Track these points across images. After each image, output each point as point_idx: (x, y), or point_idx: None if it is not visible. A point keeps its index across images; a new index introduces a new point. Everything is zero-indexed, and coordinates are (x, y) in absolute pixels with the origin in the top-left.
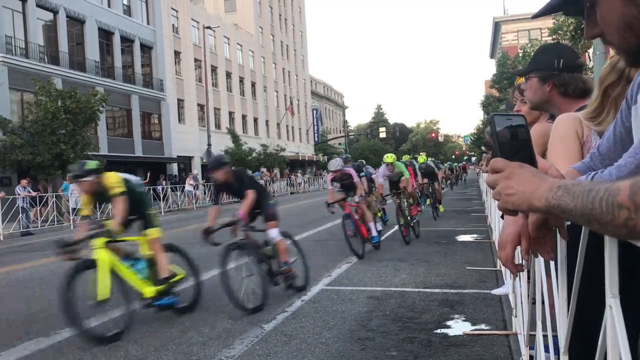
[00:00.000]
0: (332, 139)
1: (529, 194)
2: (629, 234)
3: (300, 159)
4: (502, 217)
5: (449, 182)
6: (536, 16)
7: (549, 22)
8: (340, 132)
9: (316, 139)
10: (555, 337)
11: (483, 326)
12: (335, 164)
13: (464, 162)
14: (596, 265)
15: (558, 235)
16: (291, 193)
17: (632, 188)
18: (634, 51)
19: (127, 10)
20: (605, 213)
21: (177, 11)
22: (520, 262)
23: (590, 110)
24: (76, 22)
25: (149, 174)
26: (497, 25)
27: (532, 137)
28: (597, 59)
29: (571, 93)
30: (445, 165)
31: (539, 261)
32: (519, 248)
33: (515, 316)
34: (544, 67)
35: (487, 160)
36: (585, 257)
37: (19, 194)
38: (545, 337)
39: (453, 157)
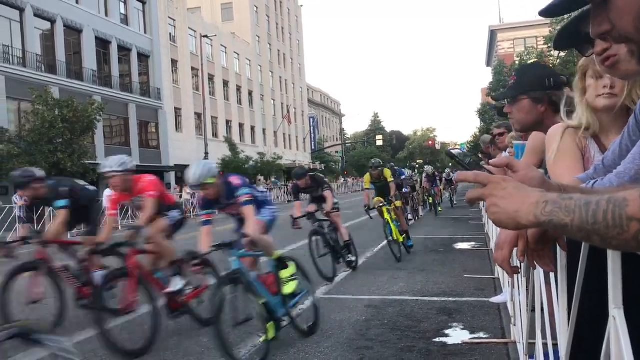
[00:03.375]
0: (329, 147)
1: (514, 210)
2: (638, 246)
3: (297, 167)
4: None
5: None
6: (542, 14)
7: (544, 30)
8: (337, 140)
9: (313, 147)
10: (555, 346)
11: (482, 335)
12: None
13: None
14: (595, 273)
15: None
16: (289, 201)
17: None
18: None
19: (125, 19)
20: (612, 227)
21: (174, 20)
22: (517, 264)
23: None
24: (73, 31)
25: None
26: (493, 34)
27: (530, 145)
28: None
29: (556, 111)
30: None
31: (539, 269)
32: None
33: (514, 325)
34: (536, 87)
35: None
36: (586, 266)
37: (16, 203)
38: (545, 345)
39: (450, 165)
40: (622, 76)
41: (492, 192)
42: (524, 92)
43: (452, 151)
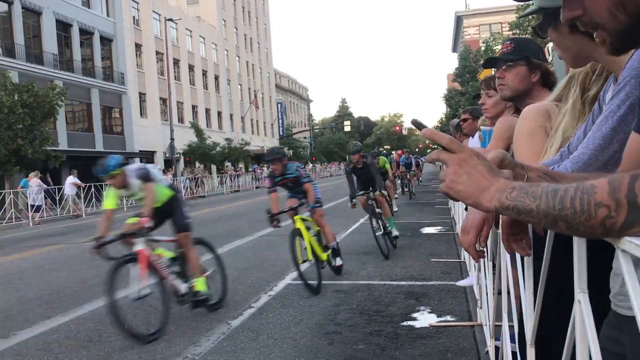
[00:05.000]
0: (297, 132)
1: (478, 190)
2: (604, 232)
3: (265, 152)
4: (466, 209)
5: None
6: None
7: (511, 16)
8: (305, 126)
9: (281, 133)
10: (521, 328)
11: (448, 318)
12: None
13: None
14: (561, 257)
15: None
16: (256, 187)
17: (612, 185)
18: (621, 32)
19: (86, 2)
20: (579, 213)
21: (137, 3)
22: (482, 248)
23: (556, 95)
24: (32, 13)
25: None
26: (459, 19)
27: (496, 131)
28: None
29: (545, 84)
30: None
31: (504, 253)
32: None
33: (480, 307)
34: (534, 56)
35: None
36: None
37: None
38: (511, 327)
39: (417, 150)
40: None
41: (462, 162)
42: (523, 58)
43: (415, 120)
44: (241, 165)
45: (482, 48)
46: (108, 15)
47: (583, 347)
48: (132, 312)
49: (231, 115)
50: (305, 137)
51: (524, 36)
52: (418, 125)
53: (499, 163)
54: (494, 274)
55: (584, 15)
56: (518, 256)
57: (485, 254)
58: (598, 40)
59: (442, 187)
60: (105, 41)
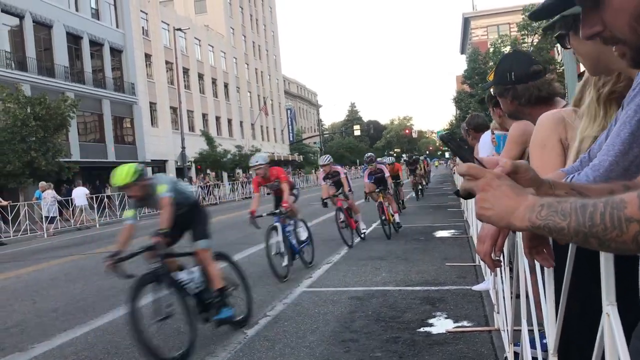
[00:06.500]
0: (307, 138)
1: (508, 212)
2: (637, 248)
3: (275, 159)
4: None
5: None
6: (532, 18)
7: (518, 17)
8: (315, 131)
9: (291, 139)
10: (541, 333)
11: (465, 323)
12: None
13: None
14: (584, 265)
15: None
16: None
17: None
18: None
19: (96, 14)
20: (610, 229)
21: (146, 13)
22: (498, 257)
23: (574, 100)
24: (43, 26)
25: None
26: (466, 21)
27: (511, 135)
28: (567, 54)
29: (525, 104)
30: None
31: (522, 256)
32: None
33: (498, 312)
34: (499, 82)
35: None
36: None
37: None
38: (530, 332)
39: (427, 152)
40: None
41: (485, 187)
42: (494, 85)
43: (445, 134)
44: (252, 172)
45: (491, 50)
46: (117, 26)
47: None
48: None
49: (241, 123)
50: (315, 142)
51: (532, 37)
52: (447, 141)
53: (513, 173)
54: (511, 277)
55: (604, 31)
56: (537, 262)
57: (502, 263)
58: (618, 54)
59: (476, 215)
60: (115, 52)
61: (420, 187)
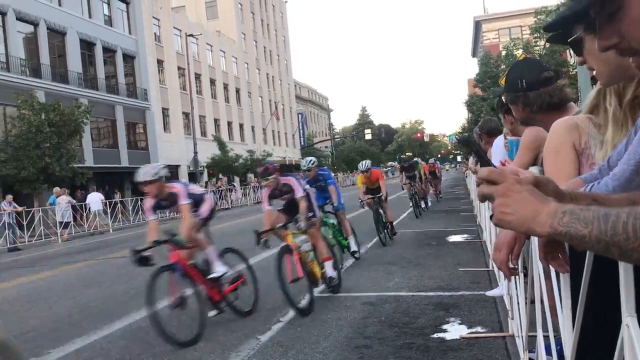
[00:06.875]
0: (318, 142)
1: (529, 218)
2: None
3: (287, 163)
4: (491, 217)
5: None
6: (547, 29)
7: (530, 20)
8: (326, 135)
9: (302, 143)
10: (556, 339)
11: (479, 329)
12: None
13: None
14: (605, 275)
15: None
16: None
17: None
18: None
19: (108, 21)
20: (632, 239)
21: (158, 20)
22: (515, 266)
23: (588, 107)
24: (57, 33)
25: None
26: (477, 24)
27: (523, 141)
28: None
29: (537, 110)
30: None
31: (537, 261)
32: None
33: (512, 318)
34: (510, 89)
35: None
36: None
37: (4, 210)
38: (546, 338)
39: (439, 156)
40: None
41: (506, 192)
42: (505, 92)
43: (464, 137)
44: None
45: (503, 53)
46: (130, 32)
47: None
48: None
49: (253, 127)
50: (326, 147)
51: (544, 39)
52: (468, 144)
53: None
54: (525, 283)
55: (620, 43)
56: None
57: (518, 271)
58: (635, 65)
59: (494, 221)
60: (128, 58)
61: (421, 201)
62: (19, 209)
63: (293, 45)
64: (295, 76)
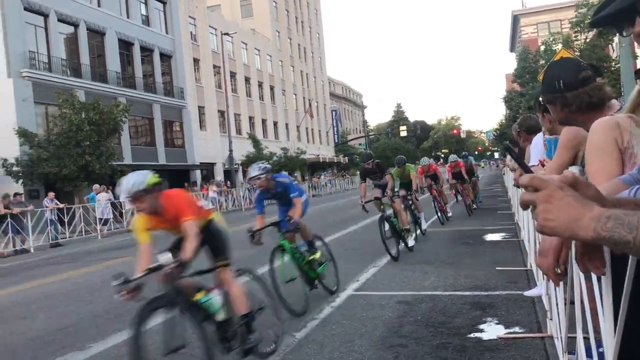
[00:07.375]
0: (352, 139)
1: (572, 222)
2: None
3: (320, 160)
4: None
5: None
6: (593, 25)
7: (569, 13)
8: (360, 132)
9: (336, 140)
10: (597, 341)
11: (517, 329)
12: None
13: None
14: None
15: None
16: (313, 195)
17: None
18: None
19: (146, 21)
20: None
21: (194, 19)
22: (562, 271)
23: (629, 107)
24: (96, 34)
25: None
26: (515, 19)
27: (562, 140)
28: (623, 51)
29: (576, 111)
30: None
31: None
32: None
33: (551, 319)
34: (547, 91)
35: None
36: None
37: (46, 207)
38: (586, 339)
39: (476, 152)
40: None
41: (549, 198)
42: (543, 94)
43: (505, 145)
44: (296, 173)
45: (542, 48)
46: (167, 32)
47: None
48: None
49: (287, 125)
50: (360, 144)
51: (585, 34)
52: (510, 151)
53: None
54: (565, 283)
55: None
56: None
57: (565, 277)
58: None
59: (537, 228)
60: (165, 57)
61: (444, 208)
62: (61, 205)
63: (327, 41)
64: (329, 73)
